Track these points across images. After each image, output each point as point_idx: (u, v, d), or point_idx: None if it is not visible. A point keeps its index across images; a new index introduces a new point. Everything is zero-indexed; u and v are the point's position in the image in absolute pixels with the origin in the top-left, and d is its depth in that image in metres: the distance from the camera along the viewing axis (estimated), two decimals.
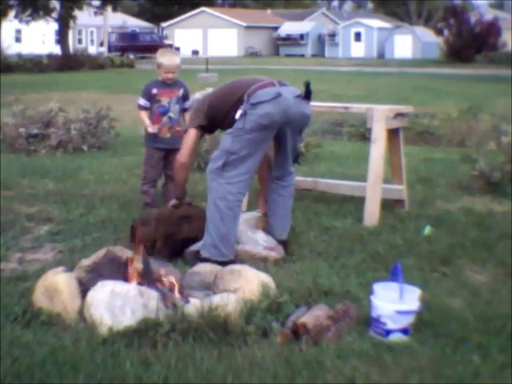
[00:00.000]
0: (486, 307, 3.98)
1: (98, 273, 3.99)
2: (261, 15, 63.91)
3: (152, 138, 6.31)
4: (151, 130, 6.26)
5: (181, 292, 3.97)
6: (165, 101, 6.29)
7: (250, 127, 4.64)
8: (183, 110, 6.42)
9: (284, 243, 5.01)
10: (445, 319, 3.74)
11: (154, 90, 6.29)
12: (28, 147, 9.63)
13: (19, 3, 37.87)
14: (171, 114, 6.30)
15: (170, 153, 6.37)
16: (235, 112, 4.75)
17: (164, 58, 6.29)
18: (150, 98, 6.30)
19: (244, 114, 4.66)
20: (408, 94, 19.39)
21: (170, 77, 6.28)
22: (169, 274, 4.08)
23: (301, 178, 6.49)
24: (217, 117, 4.97)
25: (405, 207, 6.29)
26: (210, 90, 5.49)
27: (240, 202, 4.76)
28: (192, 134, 5.04)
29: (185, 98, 6.39)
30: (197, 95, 5.70)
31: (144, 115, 6.34)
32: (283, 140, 4.86)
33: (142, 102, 6.33)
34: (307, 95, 4.85)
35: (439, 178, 7.82)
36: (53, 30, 47.25)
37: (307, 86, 4.84)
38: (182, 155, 5.06)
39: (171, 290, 3.93)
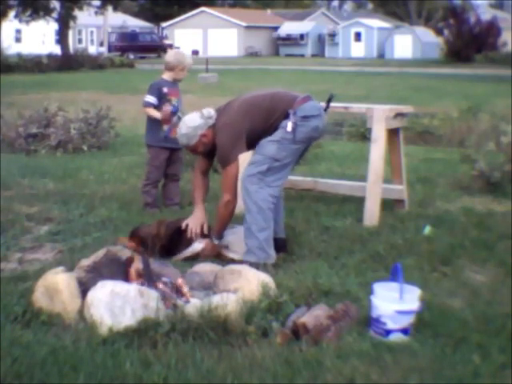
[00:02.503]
0: (486, 307, 3.98)
1: (97, 273, 4.00)
2: (261, 15, 63.91)
3: (161, 137, 6.26)
4: (162, 115, 6.17)
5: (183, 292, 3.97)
6: (174, 100, 6.29)
7: (300, 139, 4.78)
8: None
9: (284, 241, 5.03)
10: (445, 319, 3.75)
11: (165, 89, 6.27)
12: (28, 147, 9.63)
13: (19, 3, 37.85)
14: (180, 114, 6.30)
15: (173, 152, 6.36)
16: (276, 125, 4.81)
17: (186, 59, 6.34)
18: (161, 96, 6.27)
19: (295, 126, 4.74)
20: (408, 94, 19.38)
21: (185, 76, 6.36)
22: (172, 275, 4.09)
23: (301, 178, 6.50)
24: (257, 136, 4.85)
25: (405, 207, 6.29)
26: (209, 111, 4.90)
27: (274, 206, 4.82)
28: (235, 169, 4.77)
29: None
30: (195, 122, 4.85)
31: (151, 109, 6.28)
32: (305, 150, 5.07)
33: (151, 99, 6.26)
34: (326, 109, 5.08)
35: (439, 178, 7.82)
36: (53, 30, 47.23)
37: (329, 100, 5.10)
38: (232, 195, 4.78)
39: (178, 290, 3.93)
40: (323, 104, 5.08)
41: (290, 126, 4.73)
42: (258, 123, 4.81)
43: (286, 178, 4.95)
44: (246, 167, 4.81)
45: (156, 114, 6.24)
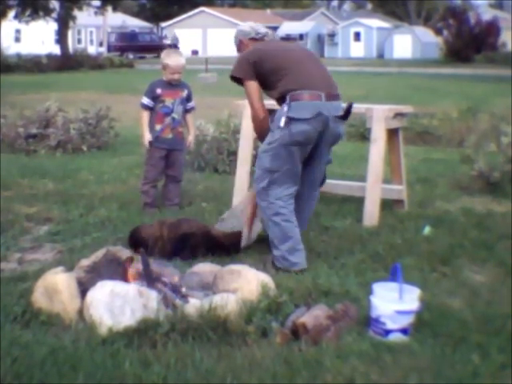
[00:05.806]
0: (486, 307, 3.97)
1: (97, 273, 4.00)
2: (260, 15, 63.83)
3: (154, 137, 6.31)
4: (147, 140, 6.27)
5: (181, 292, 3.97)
6: (169, 101, 6.29)
7: (286, 142, 4.65)
8: (186, 111, 6.43)
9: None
10: (444, 319, 3.74)
11: (159, 91, 6.28)
12: (27, 147, 9.63)
13: (19, 3, 37.83)
14: (174, 115, 6.30)
15: (170, 153, 6.37)
16: (278, 93, 4.75)
17: (170, 59, 6.29)
18: (154, 97, 6.28)
19: (282, 126, 4.63)
20: (408, 93, 19.39)
21: (177, 77, 6.30)
22: (170, 274, 4.08)
23: None
24: (264, 84, 4.87)
25: (404, 207, 6.29)
26: (260, 28, 5.15)
27: (293, 212, 4.75)
28: (252, 85, 4.82)
29: (188, 98, 6.41)
30: (245, 27, 5.20)
31: (145, 119, 6.30)
32: (314, 155, 4.83)
33: (146, 101, 6.29)
34: (346, 116, 4.86)
35: (439, 179, 7.82)
36: (52, 30, 47.20)
37: (349, 107, 4.86)
38: (258, 110, 4.83)
39: (175, 290, 3.93)
40: (336, 109, 4.79)
41: (283, 121, 4.63)
42: (266, 71, 4.79)
43: (295, 185, 4.75)
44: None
45: (143, 126, 6.31)
